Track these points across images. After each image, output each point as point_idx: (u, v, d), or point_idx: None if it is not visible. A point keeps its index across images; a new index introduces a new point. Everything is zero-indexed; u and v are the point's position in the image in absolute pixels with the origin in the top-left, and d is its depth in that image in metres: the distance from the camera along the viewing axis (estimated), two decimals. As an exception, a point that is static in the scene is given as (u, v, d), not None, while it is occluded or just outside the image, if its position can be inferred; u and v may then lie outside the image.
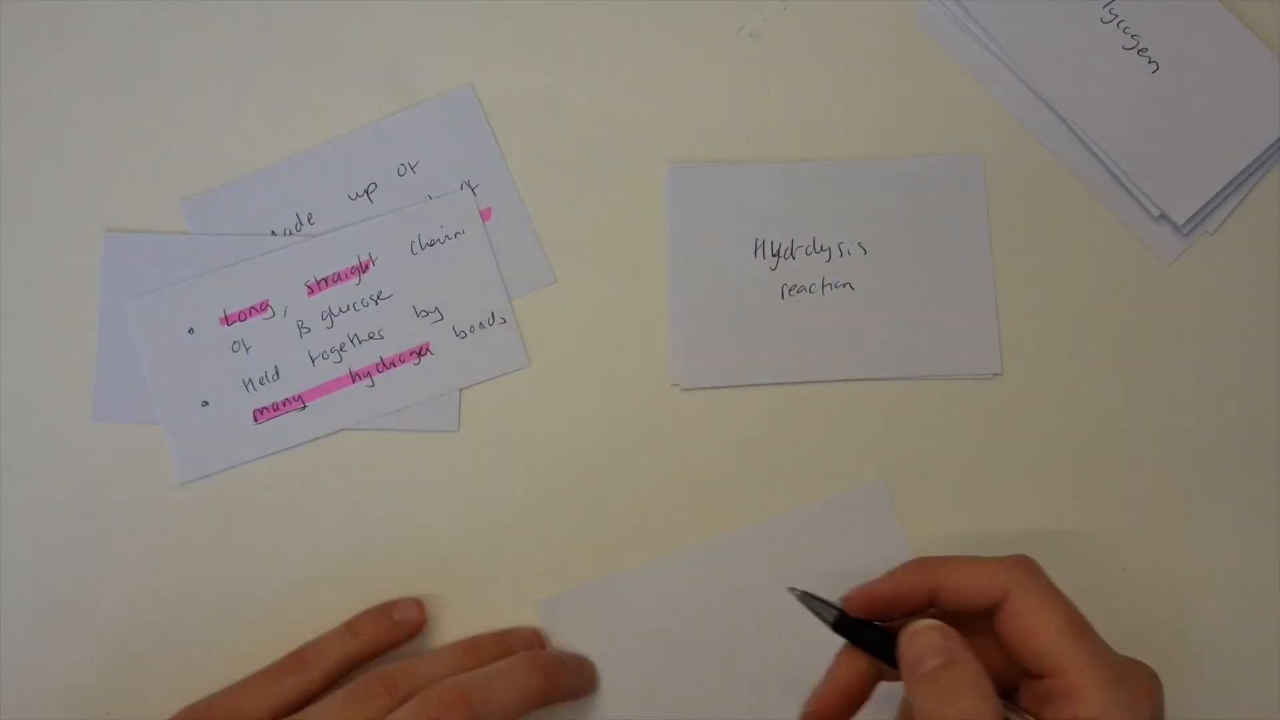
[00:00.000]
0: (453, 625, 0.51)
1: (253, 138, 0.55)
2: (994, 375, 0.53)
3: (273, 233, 0.54)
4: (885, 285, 0.54)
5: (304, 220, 0.54)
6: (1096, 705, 0.40)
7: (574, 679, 0.49)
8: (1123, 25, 0.56)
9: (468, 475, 0.52)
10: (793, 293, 0.54)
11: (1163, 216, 0.54)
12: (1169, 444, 0.53)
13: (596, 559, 0.52)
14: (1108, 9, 0.56)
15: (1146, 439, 0.53)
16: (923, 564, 0.43)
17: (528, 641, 0.50)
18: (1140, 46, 0.56)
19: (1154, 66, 0.55)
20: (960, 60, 0.56)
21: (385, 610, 0.50)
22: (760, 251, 0.54)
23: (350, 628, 0.49)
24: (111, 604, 0.51)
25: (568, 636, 0.51)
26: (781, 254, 0.54)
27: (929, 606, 0.43)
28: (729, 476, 0.52)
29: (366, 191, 0.54)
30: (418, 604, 0.50)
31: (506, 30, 0.56)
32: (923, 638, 0.41)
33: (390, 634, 0.49)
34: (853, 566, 0.49)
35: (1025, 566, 0.43)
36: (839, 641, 0.43)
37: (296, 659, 0.48)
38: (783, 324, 0.53)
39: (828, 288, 0.54)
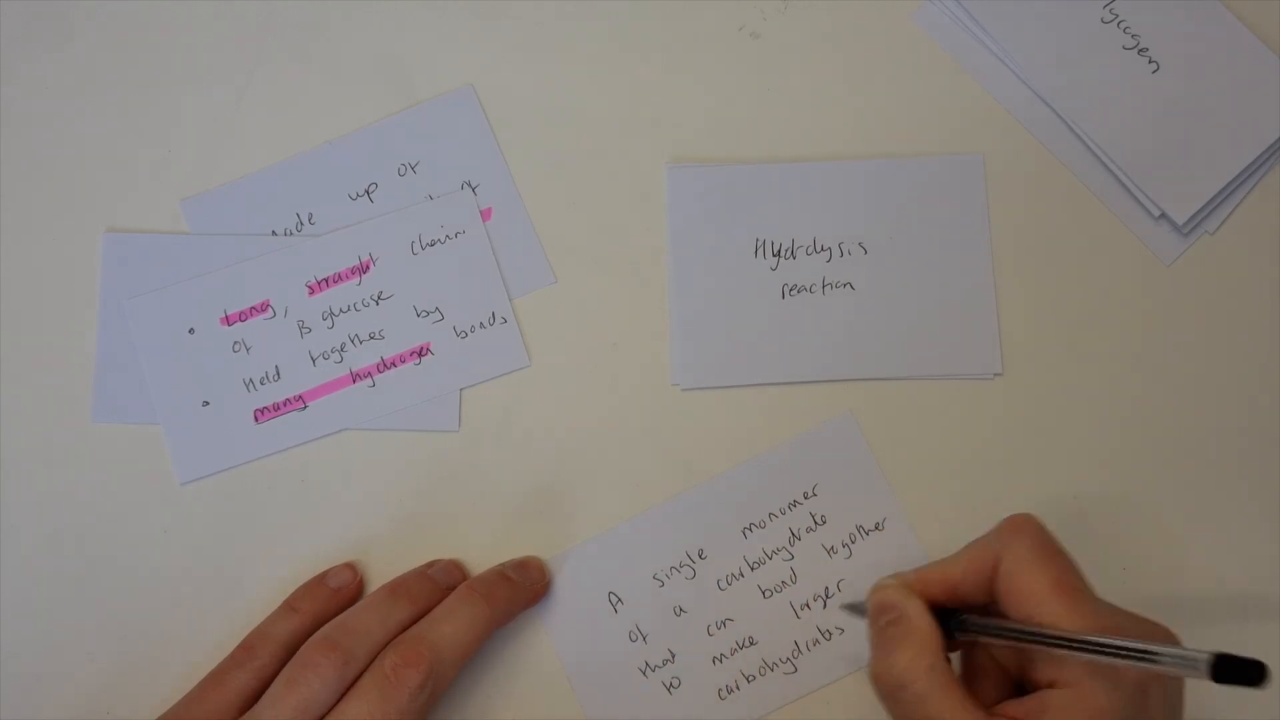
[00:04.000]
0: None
1: (253, 137, 0.55)
2: (995, 375, 0.53)
3: (273, 233, 0.54)
4: (886, 285, 0.54)
5: (304, 220, 0.54)
6: (1075, 668, 0.40)
7: (519, 591, 0.49)
8: (1123, 25, 0.56)
9: (468, 475, 0.52)
10: (793, 293, 0.54)
11: (1163, 216, 0.54)
12: (1169, 443, 0.53)
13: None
14: (1108, 9, 0.56)
15: (1146, 439, 0.53)
16: (942, 563, 0.45)
17: (448, 572, 0.50)
18: (1140, 46, 0.56)
19: (1154, 66, 0.55)
20: (960, 60, 0.56)
21: (320, 580, 0.50)
22: (761, 251, 0.54)
23: (290, 604, 0.49)
24: (112, 604, 0.51)
25: (575, 591, 0.51)
26: (782, 254, 0.54)
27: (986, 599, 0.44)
28: (730, 474, 0.52)
29: (367, 191, 0.54)
30: (351, 568, 0.50)
31: (507, 30, 0.56)
32: (880, 594, 0.45)
33: (329, 603, 0.49)
34: (833, 496, 0.52)
35: (1010, 529, 0.44)
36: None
37: (244, 649, 0.47)
38: (783, 324, 0.53)
39: (828, 288, 0.54)
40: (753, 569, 0.51)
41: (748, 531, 0.51)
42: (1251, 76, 0.55)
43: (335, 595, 0.49)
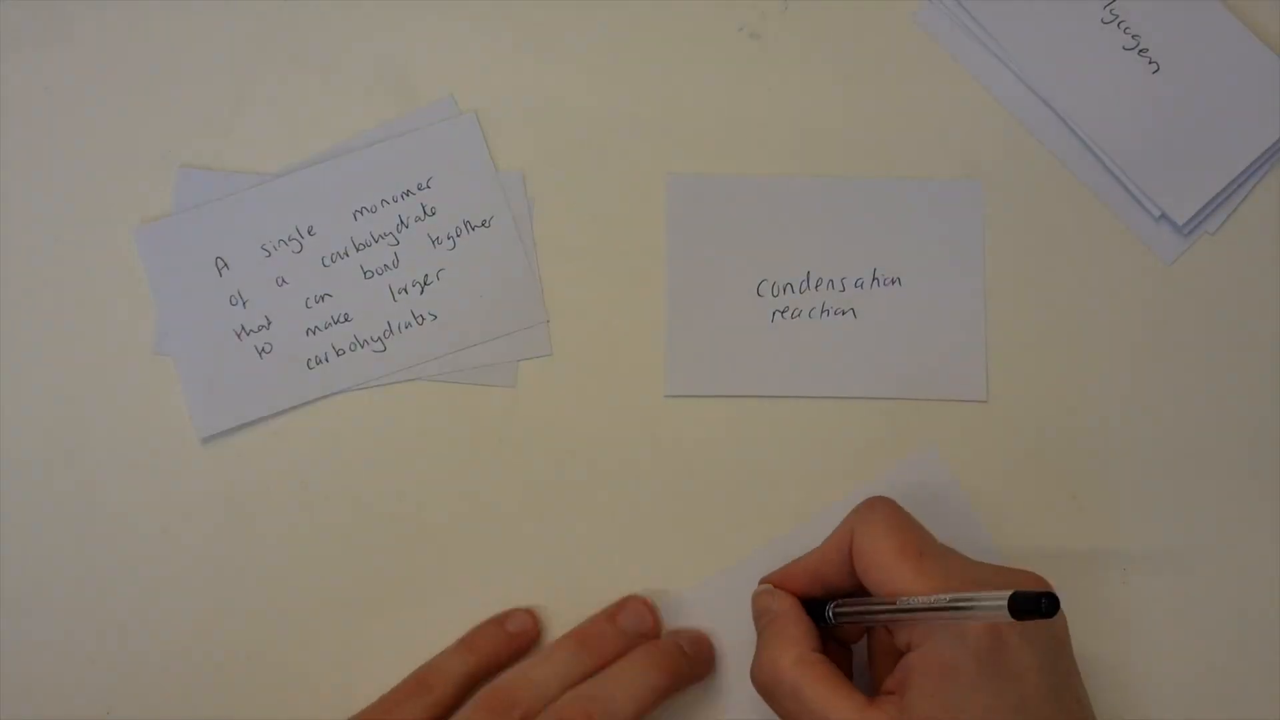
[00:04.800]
0: (456, 621, 0.51)
1: (254, 142, 0.55)
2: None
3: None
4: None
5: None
6: (924, 629, 0.41)
7: (694, 666, 0.49)
8: (1123, 26, 0.56)
9: (465, 478, 0.53)
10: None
11: (1163, 217, 0.54)
12: (1169, 444, 0.53)
13: (592, 563, 0.52)
14: (1108, 9, 0.56)
15: (1146, 439, 0.53)
16: (805, 556, 0.47)
17: (639, 617, 0.49)
18: (1141, 47, 0.56)
19: (1154, 67, 0.55)
20: (960, 60, 0.56)
21: (499, 622, 0.50)
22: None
23: (466, 643, 0.49)
24: (111, 604, 0.51)
25: (180, 255, 0.53)
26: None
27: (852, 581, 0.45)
28: (718, 487, 0.52)
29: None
30: (530, 614, 0.50)
31: (505, 35, 0.56)
32: (754, 602, 0.48)
33: (506, 646, 0.49)
34: (445, 190, 0.54)
35: (864, 506, 0.45)
36: None
37: (418, 682, 0.48)
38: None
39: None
40: (358, 249, 0.53)
41: (358, 214, 0.53)
42: (1251, 76, 0.55)
43: (512, 640, 0.49)
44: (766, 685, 0.44)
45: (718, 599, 0.51)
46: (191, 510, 0.52)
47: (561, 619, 0.51)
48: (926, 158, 0.55)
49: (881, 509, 0.45)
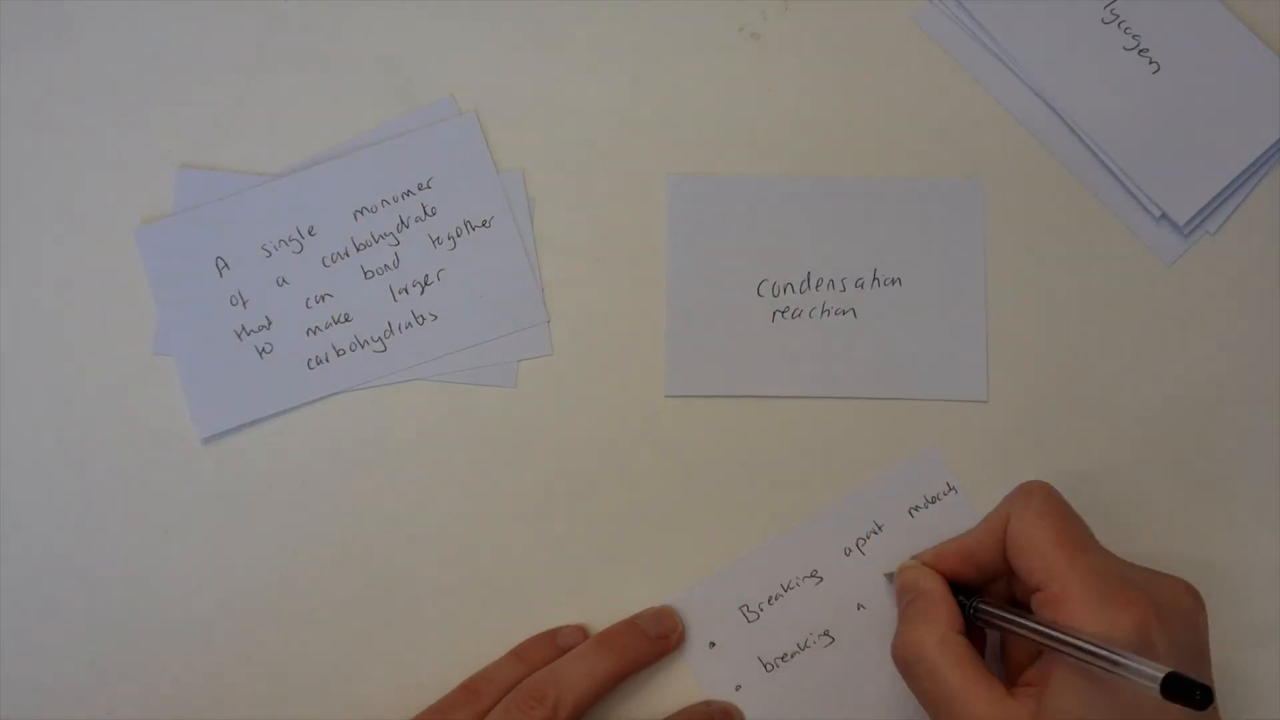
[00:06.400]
0: (456, 620, 0.51)
1: (254, 142, 0.55)
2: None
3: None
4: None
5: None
6: (1075, 614, 0.42)
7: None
8: (1123, 25, 0.56)
9: (465, 478, 0.53)
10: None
11: (1164, 217, 0.54)
12: (1169, 443, 0.53)
13: (591, 562, 0.52)
14: (1108, 9, 0.56)
15: (1147, 439, 0.53)
16: (959, 537, 0.48)
17: (657, 620, 0.51)
18: (1141, 47, 0.56)
19: (1155, 67, 0.55)
20: (960, 60, 0.56)
21: (550, 636, 0.51)
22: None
23: (517, 654, 0.50)
24: (111, 604, 0.51)
25: (184, 251, 0.54)
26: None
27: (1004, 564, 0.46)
28: (718, 487, 0.52)
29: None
30: (582, 630, 0.51)
31: (505, 35, 0.56)
32: (901, 575, 0.48)
33: (553, 657, 0.50)
34: (445, 190, 0.54)
35: (1022, 491, 0.46)
36: None
37: (467, 691, 0.49)
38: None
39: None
40: (359, 250, 0.53)
41: (359, 214, 0.53)
42: (1251, 76, 0.55)
43: (560, 653, 0.50)
44: (906, 662, 0.45)
45: (716, 598, 0.51)
46: (191, 510, 0.52)
47: (562, 616, 0.51)
48: (926, 158, 0.55)
49: (1040, 494, 0.45)
